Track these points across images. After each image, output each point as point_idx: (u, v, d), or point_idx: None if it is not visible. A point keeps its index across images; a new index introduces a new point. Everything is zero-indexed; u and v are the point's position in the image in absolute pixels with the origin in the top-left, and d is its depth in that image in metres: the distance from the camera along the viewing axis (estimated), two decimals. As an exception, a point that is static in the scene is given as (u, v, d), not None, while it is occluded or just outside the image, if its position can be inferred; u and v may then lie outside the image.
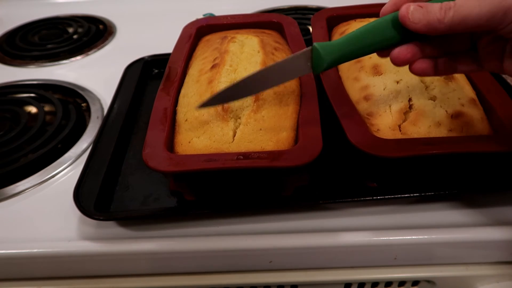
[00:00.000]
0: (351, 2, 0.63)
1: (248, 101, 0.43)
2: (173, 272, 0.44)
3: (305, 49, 0.39)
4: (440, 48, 0.37)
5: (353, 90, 0.48)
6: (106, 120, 0.53)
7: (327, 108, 0.46)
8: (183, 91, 0.49)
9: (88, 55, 0.77)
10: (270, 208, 0.44)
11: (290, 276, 0.44)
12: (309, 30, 0.76)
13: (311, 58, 0.39)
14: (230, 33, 0.56)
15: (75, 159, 0.52)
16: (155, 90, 0.49)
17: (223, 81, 0.45)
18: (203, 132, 0.42)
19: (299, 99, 0.46)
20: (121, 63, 0.65)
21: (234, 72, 0.47)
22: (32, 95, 0.64)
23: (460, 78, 0.48)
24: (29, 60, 0.75)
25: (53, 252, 0.41)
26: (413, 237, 0.41)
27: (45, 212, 0.45)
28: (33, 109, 0.61)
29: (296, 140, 0.43)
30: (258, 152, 0.39)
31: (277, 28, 0.61)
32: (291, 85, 0.47)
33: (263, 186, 0.43)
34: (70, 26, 0.86)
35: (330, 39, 0.58)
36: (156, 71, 0.66)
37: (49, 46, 0.79)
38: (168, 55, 0.55)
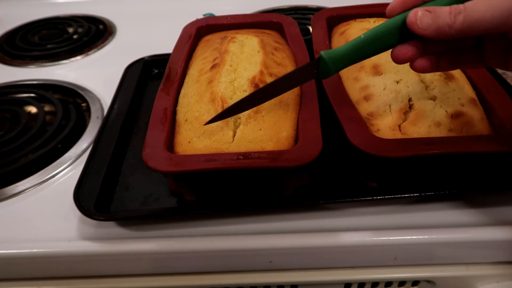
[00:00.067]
0: (351, 2, 0.63)
1: (248, 101, 0.43)
2: (173, 272, 0.44)
3: (312, 61, 0.40)
4: (444, 45, 0.37)
5: (353, 90, 0.48)
6: (106, 120, 0.53)
7: (327, 108, 0.46)
8: (183, 91, 0.49)
9: (88, 55, 0.77)
10: (270, 208, 0.44)
11: (290, 276, 0.44)
12: (309, 30, 0.76)
13: (317, 67, 0.40)
14: (230, 33, 0.56)
15: (75, 159, 0.52)
16: (155, 90, 0.49)
17: (223, 81, 0.45)
18: (203, 132, 0.42)
19: (299, 99, 0.46)
20: (121, 63, 0.65)
21: (234, 72, 0.47)
22: (32, 95, 0.64)
23: (460, 78, 0.48)
24: (29, 60, 0.75)
25: (53, 252, 0.41)
26: (413, 237, 0.41)
27: (45, 212, 0.45)
28: (33, 109, 0.61)
29: (296, 140, 0.43)
30: (258, 152, 0.39)
31: (277, 28, 0.61)
32: (291, 85, 0.47)
33: (263, 186, 0.43)
34: (70, 26, 0.86)
35: (330, 39, 0.58)
36: (156, 71, 0.66)
37: (49, 46, 0.79)
38: (168, 55, 0.55)
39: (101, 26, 0.87)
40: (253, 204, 0.43)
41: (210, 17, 0.65)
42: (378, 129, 0.44)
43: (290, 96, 0.46)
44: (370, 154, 0.40)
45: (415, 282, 0.46)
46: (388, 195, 0.42)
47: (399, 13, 0.36)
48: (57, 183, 0.49)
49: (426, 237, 0.41)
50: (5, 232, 0.43)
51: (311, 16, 0.63)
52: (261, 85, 0.44)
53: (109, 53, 0.78)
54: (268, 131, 0.42)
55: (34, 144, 0.53)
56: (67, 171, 0.50)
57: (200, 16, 0.69)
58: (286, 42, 0.57)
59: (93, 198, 0.43)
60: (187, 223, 0.43)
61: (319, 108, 0.44)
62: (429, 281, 0.45)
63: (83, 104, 0.63)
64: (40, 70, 0.73)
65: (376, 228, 0.42)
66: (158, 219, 0.44)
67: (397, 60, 0.36)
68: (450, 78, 0.47)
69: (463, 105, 0.44)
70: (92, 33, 0.83)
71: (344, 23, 0.60)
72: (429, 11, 0.33)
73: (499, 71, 0.57)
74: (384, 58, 0.48)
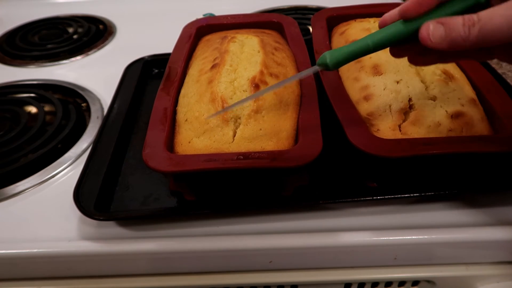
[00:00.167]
0: (351, 2, 0.63)
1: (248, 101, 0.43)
2: (173, 272, 0.44)
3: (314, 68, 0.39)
4: None
5: (353, 90, 0.48)
6: (106, 120, 0.53)
7: (327, 108, 0.46)
8: (183, 91, 0.49)
9: (88, 55, 0.77)
10: (270, 208, 0.44)
11: (290, 276, 0.44)
12: (309, 30, 0.76)
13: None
14: (230, 33, 0.56)
15: (75, 159, 0.52)
16: (155, 90, 0.49)
17: (223, 81, 0.45)
18: (203, 132, 0.42)
19: (299, 99, 0.46)
20: (121, 63, 0.65)
21: (234, 72, 0.47)
22: (32, 95, 0.64)
23: (460, 78, 0.48)
24: (29, 60, 0.75)
25: (53, 252, 0.41)
26: (413, 237, 0.41)
27: (45, 212, 0.45)
28: (33, 109, 0.61)
29: (296, 140, 0.43)
30: (258, 152, 0.39)
31: (277, 28, 0.61)
32: (291, 85, 0.47)
33: (263, 186, 0.43)
34: (70, 26, 0.86)
35: (330, 39, 0.58)
36: (156, 71, 0.66)
37: (49, 46, 0.79)
38: (168, 55, 0.55)
39: (101, 26, 0.87)
40: (253, 204, 0.43)
41: (210, 17, 0.65)
42: (378, 129, 0.44)
43: (290, 96, 0.46)
44: (370, 154, 0.40)
45: (415, 282, 0.46)
46: (388, 195, 0.42)
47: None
48: (57, 183, 0.49)
49: (426, 237, 0.41)
50: (5, 232, 0.43)
51: (311, 16, 0.63)
52: (261, 85, 0.44)
53: (109, 53, 0.78)
54: (268, 131, 0.42)
55: (34, 144, 0.53)
56: (67, 171, 0.50)
57: (200, 16, 0.69)
58: (286, 42, 0.57)
59: (93, 198, 0.43)
60: (187, 223, 0.43)
61: (319, 108, 0.45)
62: (429, 281, 0.45)
63: (83, 104, 0.63)
64: (40, 70, 0.73)
65: (376, 228, 0.42)
66: (158, 219, 0.44)
67: (397, 57, 0.36)
68: (450, 78, 0.47)
69: (463, 105, 0.44)
70: (92, 33, 0.83)
71: (344, 23, 0.60)
72: (442, 24, 0.32)
73: (499, 71, 0.57)
74: (384, 58, 0.48)
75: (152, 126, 0.43)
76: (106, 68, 0.71)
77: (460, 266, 0.44)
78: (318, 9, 0.84)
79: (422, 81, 0.46)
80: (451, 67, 0.49)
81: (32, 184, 0.48)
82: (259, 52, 0.50)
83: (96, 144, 0.50)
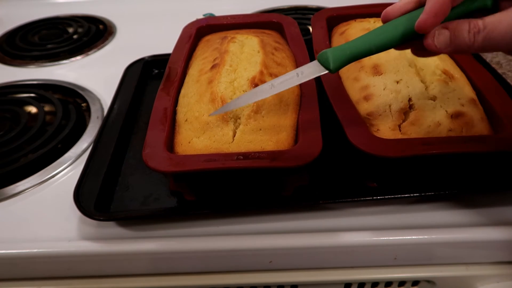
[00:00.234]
0: (351, 2, 0.63)
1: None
2: (173, 272, 0.44)
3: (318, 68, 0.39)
4: None
5: (353, 90, 0.48)
6: (106, 120, 0.53)
7: (327, 108, 0.46)
8: (183, 91, 0.49)
9: (88, 55, 0.77)
10: (270, 208, 0.44)
11: (290, 276, 0.44)
12: (309, 30, 0.76)
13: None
14: (230, 33, 0.56)
15: (75, 159, 0.52)
16: (155, 90, 0.49)
17: (223, 81, 0.45)
18: (203, 132, 0.42)
19: (299, 99, 0.46)
20: (121, 63, 0.65)
21: (234, 72, 0.47)
22: (32, 95, 0.64)
23: (460, 78, 0.48)
24: (29, 60, 0.75)
25: (53, 252, 0.41)
26: (413, 237, 0.41)
27: (45, 212, 0.45)
28: (33, 109, 0.61)
29: (296, 140, 0.43)
30: (258, 152, 0.39)
31: (277, 28, 0.61)
32: (291, 85, 0.47)
33: (263, 186, 0.43)
34: (70, 26, 0.86)
35: (330, 39, 0.58)
36: (156, 71, 0.66)
37: (49, 46, 0.79)
38: (168, 55, 0.55)
39: (101, 26, 0.87)
40: (253, 204, 0.43)
41: (210, 17, 0.65)
42: (378, 129, 0.44)
43: (290, 96, 0.46)
44: (370, 154, 0.40)
45: (415, 282, 0.46)
46: (388, 195, 0.42)
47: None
48: (57, 183, 0.49)
49: (426, 237, 0.41)
50: (5, 232, 0.43)
51: (311, 16, 0.63)
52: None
53: (109, 53, 0.78)
54: (268, 131, 0.42)
55: (34, 144, 0.53)
56: (67, 171, 0.50)
57: (200, 16, 0.69)
58: (286, 42, 0.57)
59: (93, 198, 0.43)
60: (187, 223, 0.43)
61: (319, 108, 0.44)
62: (429, 281, 0.45)
63: (83, 104, 0.63)
64: (40, 70, 0.73)
65: (376, 228, 0.42)
66: (158, 219, 0.44)
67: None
68: (450, 78, 0.47)
69: (463, 105, 0.44)
70: (92, 33, 0.83)
71: (344, 23, 0.60)
72: (447, 29, 0.32)
73: (499, 71, 0.57)
74: (384, 58, 0.48)
75: (152, 126, 0.43)
76: (106, 68, 0.71)
77: (460, 266, 0.44)
78: (318, 9, 0.84)
79: (422, 81, 0.46)
80: (451, 67, 0.49)
81: (32, 184, 0.48)
82: (259, 52, 0.50)
83: (96, 144, 0.50)
